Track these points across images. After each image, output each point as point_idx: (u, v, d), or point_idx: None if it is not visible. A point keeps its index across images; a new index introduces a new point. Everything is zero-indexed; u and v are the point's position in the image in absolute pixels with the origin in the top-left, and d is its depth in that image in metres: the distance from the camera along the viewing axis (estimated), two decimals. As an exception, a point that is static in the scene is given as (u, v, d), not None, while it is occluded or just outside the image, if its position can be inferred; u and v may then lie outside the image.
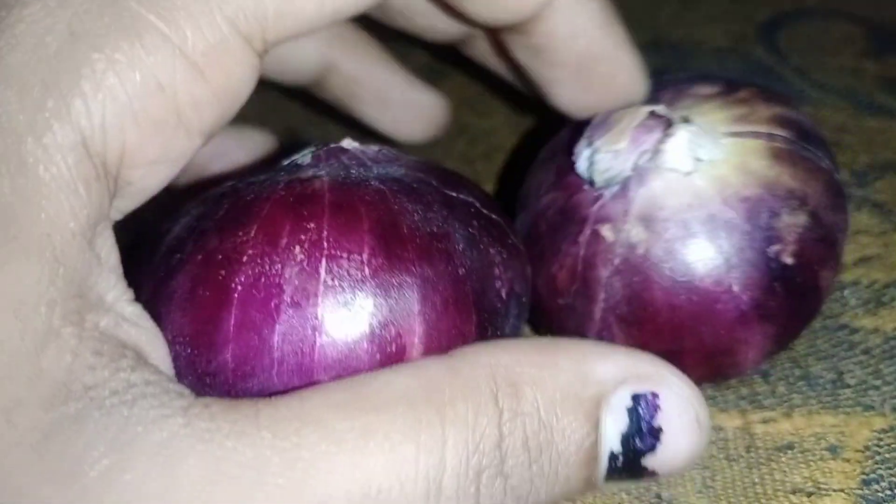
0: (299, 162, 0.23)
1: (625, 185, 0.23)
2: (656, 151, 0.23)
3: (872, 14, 0.46)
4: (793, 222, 0.23)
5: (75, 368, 0.16)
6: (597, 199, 0.24)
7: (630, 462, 0.18)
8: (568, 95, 0.26)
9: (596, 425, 0.18)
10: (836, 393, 0.26)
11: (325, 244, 0.20)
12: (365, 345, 0.19)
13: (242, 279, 0.20)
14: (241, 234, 0.20)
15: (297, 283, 0.19)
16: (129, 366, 0.16)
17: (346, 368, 0.19)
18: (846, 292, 0.30)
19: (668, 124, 0.23)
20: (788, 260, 0.23)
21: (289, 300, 0.19)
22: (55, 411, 0.15)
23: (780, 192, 0.23)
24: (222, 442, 0.16)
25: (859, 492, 0.24)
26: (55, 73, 0.16)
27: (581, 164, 0.24)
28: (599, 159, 0.24)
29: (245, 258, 0.20)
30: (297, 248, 0.20)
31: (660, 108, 0.24)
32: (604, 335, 0.24)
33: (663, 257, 0.23)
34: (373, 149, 0.23)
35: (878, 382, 0.27)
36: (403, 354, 0.20)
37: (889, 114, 0.39)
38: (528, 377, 0.18)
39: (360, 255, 0.20)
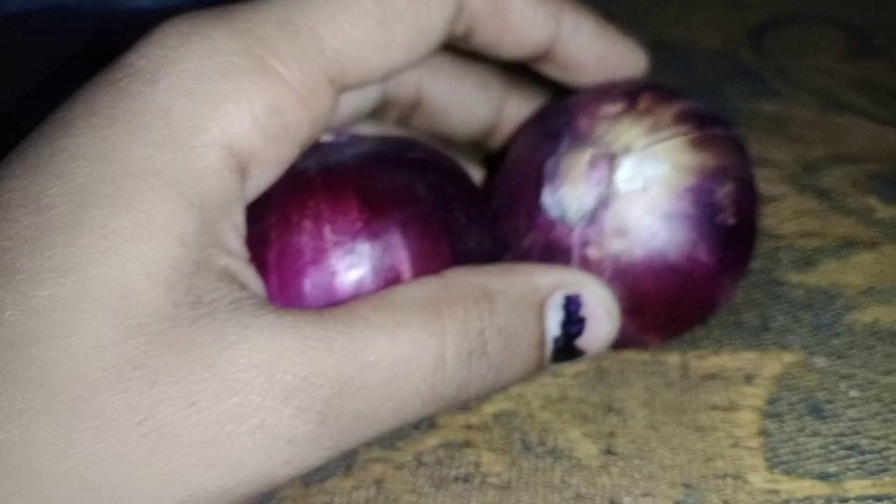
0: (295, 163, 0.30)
1: (593, 214, 0.29)
2: (610, 183, 0.29)
3: (857, 18, 0.52)
4: (725, 192, 0.29)
5: (208, 287, 0.23)
6: (572, 230, 0.30)
7: (567, 343, 0.27)
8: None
9: (542, 318, 0.27)
10: (759, 335, 0.33)
11: (325, 214, 0.27)
12: (370, 277, 0.27)
13: (274, 252, 0.27)
14: (264, 221, 0.28)
15: (311, 245, 0.27)
16: (238, 287, 0.24)
17: (359, 292, 0.27)
18: (780, 252, 0.36)
19: (610, 157, 0.29)
20: (732, 221, 0.29)
21: (309, 259, 0.27)
22: (198, 310, 0.23)
23: (709, 173, 0.29)
24: (303, 327, 0.23)
25: (763, 408, 0.30)
26: (212, 96, 0.24)
27: (554, 211, 0.30)
28: (567, 202, 0.30)
29: (272, 238, 0.27)
30: (306, 223, 0.27)
31: (599, 150, 0.29)
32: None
33: (643, 255, 0.29)
34: (343, 136, 0.31)
35: (795, 326, 0.33)
36: (399, 279, 0.27)
37: (855, 112, 0.44)
38: (496, 289, 0.26)
39: (351, 214, 0.27)
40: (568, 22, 0.31)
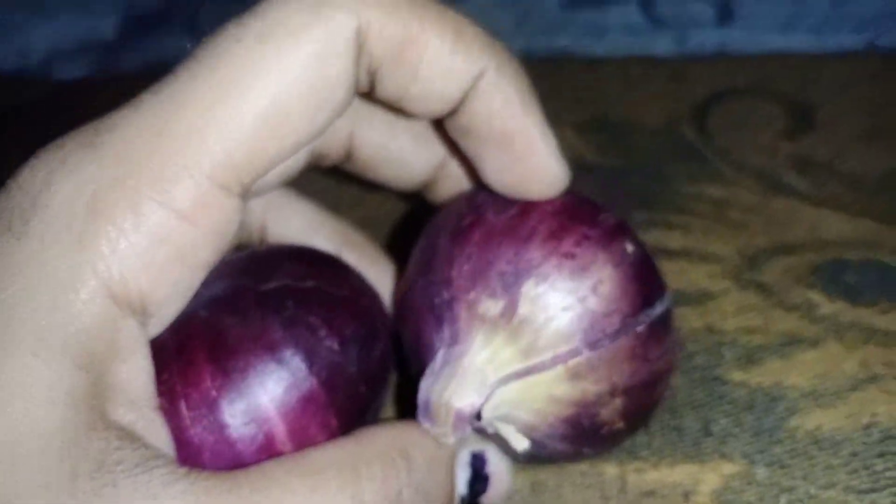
0: None
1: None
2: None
3: (796, 92, 0.52)
4: (611, 411, 0.27)
5: (108, 450, 0.21)
6: None
7: (472, 501, 0.27)
8: (494, 172, 0.29)
9: (452, 477, 0.26)
10: (699, 442, 0.32)
11: (178, 388, 0.26)
12: (239, 445, 0.26)
13: None
14: None
15: (173, 424, 0.25)
16: (142, 446, 0.22)
17: (236, 465, 0.25)
18: (724, 349, 0.35)
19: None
20: (620, 425, 0.27)
21: (176, 437, 0.25)
22: (99, 479, 0.21)
23: (590, 400, 0.26)
24: (218, 496, 0.22)
25: (703, 527, 0.29)
26: (85, 240, 0.22)
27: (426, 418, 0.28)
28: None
29: None
30: (162, 401, 0.25)
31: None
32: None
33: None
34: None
35: (737, 430, 0.32)
36: (273, 441, 0.26)
37: (794, 195, 0.44)
38: (411, 445, 0.25)
39: (205, 382, 0.26)
40: (489, 80, 0.26)
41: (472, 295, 0.27)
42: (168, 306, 0.24)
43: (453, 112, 0.27)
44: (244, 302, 0.27)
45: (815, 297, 0.37)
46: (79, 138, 0.23)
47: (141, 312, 0.24)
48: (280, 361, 0.26)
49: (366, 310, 0.29)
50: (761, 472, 0.31)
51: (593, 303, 0.26)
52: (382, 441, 0.25)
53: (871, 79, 0.53)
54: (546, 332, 0.26)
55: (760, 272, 0.39)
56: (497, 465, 0.27)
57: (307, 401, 0.26)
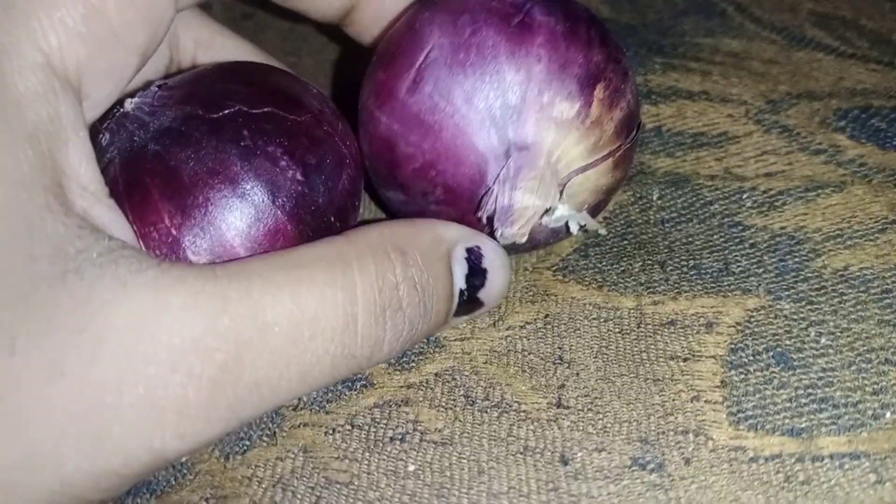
0: (102, 143, 0.26)
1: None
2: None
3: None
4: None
5: (68, 236, 0.19)
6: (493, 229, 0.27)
7: (471, 296, 0.26)
8: None
9: (450, 271, 0.25)
10: (720, 280, 0.30)
11: (135, 227, 0.23)
12: None
13: None
14: None
15: None
16: (106, 237, 0.20)
17: None
18: (744, 196, 0.33)
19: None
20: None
21: None
22: (60, 265, 0.19)
23: (613, 187, 0.29)
24: (193, 282, 0.20)
25: (726, 357, 0.28)
26: (21, 7, 0.20)
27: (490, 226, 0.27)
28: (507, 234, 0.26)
29: None
30: None
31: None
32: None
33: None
34: (148, 96, 0.26)
35: (759, 270, 0.30)
36: None
37: (817, 47, 0.42)
38: (406, 241, 0.24)
39: (163, 222, 0.24)
40: None
41: (545, 97, 0.26)
42: (102, 89, 0.23)
43: (346, 21, 0.31)
44: (196, 133, 0.25)
45: (842, 140, 0.35)
46: None
47: (77, 90, 0.22)
48: (242, 196, 0.24)
49: (328, 136, 0.27)
50: (787, 307, 0.29)
51: (633, 104, 0.28)
52: (375, 237, 0.24)
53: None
54: (608, 130, 0.27)
55: (784, 115, 0.36)
56: (494, 260, 0.26)
57: (274, 234, 0.24)
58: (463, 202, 0.27)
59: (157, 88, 0.26)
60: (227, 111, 0.25)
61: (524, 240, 0.26)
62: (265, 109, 0.26)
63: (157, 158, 0.24)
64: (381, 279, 0.23)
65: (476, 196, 0.27)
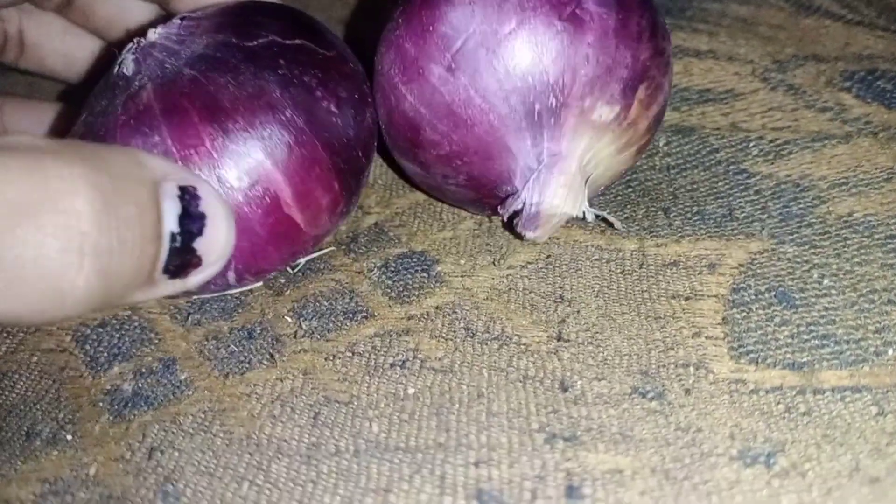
0: (126, 72, 0.25)
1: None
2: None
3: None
4: None
5: None
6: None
7: (185, 244, 0.21)
8: None
9: (156, 204, 0.20)
10: (723, 224, 0.30)
11: (175, 150, 0.23)
12: (245, 206, 0.24)
13: None
14: None
15: None
16: None
17: (242, 228, 0.24)
18: (751, 144, 0.33)
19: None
20: None
21: None
22: None
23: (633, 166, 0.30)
24: None
25: (728, 297, 0.27)
26: None
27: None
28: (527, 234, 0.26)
29: None
30: None
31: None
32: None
33: None
34: (174, 27, 0.26)
35: (763, 216, 0.30)
36: (279, 203, 0.24)
37: (825, 14, 0.42)
38: (101, 155, 0.20)
39: (204, 144, 0.23)
40: None
41: (587, 102, 0.25)
42: None
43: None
44: (233, 59, 0.25)
45: (848, 99, 0.35)
46: None
47: None
48: (282, 122, 0.24)
49: (354, 73, 0.27)
50: (790, 250, 0.29)
51: (668, 94, 0.28)
52: (90, 149, 0.20)
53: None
54: (642, 128, 0.27)
55: (791, 75, 0.36)
56: (214, 207, 0.22)
57: (311, 162, 0.25)
58: (485, 191, 0.27)
59: (179, 21, 0.26)
60: (261, 40, 0.25)
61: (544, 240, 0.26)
62: (297, 41, 0.26)
63: (194, 83, 0.24)
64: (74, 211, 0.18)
65: (500, 190, 0.27)
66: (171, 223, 0.20)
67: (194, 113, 0.24)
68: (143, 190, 0.20)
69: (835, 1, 0.42)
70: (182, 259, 0.21)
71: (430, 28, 0.25)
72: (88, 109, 0.26)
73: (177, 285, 0.22)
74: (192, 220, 0.21)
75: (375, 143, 0.28)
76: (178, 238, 0.21)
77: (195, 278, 0.22)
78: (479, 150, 0.26)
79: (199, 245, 0.21)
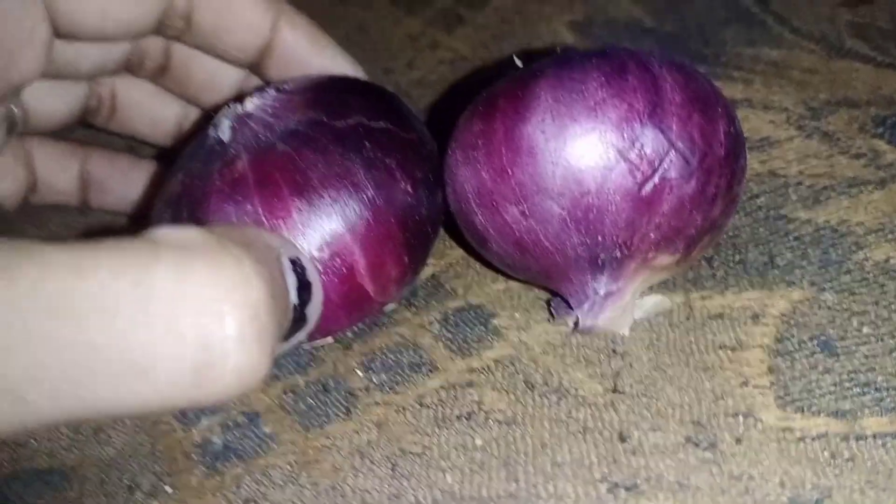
0: (223, 138, 0.28)
1: None
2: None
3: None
4: None
5: None
6: None
7: (300, 312, 0.22)
8: None
9: (285, 279, 0.21)
10: (765, 273, 0.32)
11: (265, 219, 0.26)
12: (323, 274, 0.26)
13: None
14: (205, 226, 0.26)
15: None
16: None
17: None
18: (789, 190, 0.35)
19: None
20: None
21: None
22: None
23: None
24: None
25: (772, 346, 0.29)
26: None
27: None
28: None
29: None
30: None
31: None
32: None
33: None
34: (269, 98, 0.29)
35: (803, 263, 0.32)
36: (354, 273, 0.27)
37: (856, 57, 0.43)
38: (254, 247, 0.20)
39: (291, 215, 0.26)
40: (285, 28, 0.31)
41: (650, 254, 0.27)
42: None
43: (258, 63, 0.32)
44: (324, 139, 0.27)
45: (881, 145, 0.37)
46: None
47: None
48: (363, 201, 0.27)
49: (431, 155, 0.30)
50: (830, 298, 0.30)
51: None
52: (224, 229, 0.21)
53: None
54: (695, 257, 0.29)
55: (824, 122, 0.38)
56: (313, 273, 0.23)
57: (386, 238, 0.27)
58: (543, 288, 0.31)
59: (274, 93, 0.29)
60: (350, 121, 0.28)
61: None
62: (381, 125, 0.28)
63: (287, 158, 0.27)
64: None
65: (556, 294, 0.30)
66: (294, 296, 0.22)
67: (285, 187, 0.26)
68: (278, 269, 0.21)
69: (865, 42, 0.44)
70: (295, 327, 0.22)
71: (510, 171, 0.26)
72: (183, 169, 0.29)
73: (285, 347, 0.23)
74: (304, 289, 0.22)
75: (443, 218, 0.30)
76: (298, 309, 0.22)
77: (297, 338, 0.23)
78: (541, 273, 0.28)
79: (309, 310, 0.23)
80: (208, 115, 0.30)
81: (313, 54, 0.32)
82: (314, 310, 0.23)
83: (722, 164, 0.27)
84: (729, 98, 0.39)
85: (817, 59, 0.43)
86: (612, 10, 0.48)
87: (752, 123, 0.38)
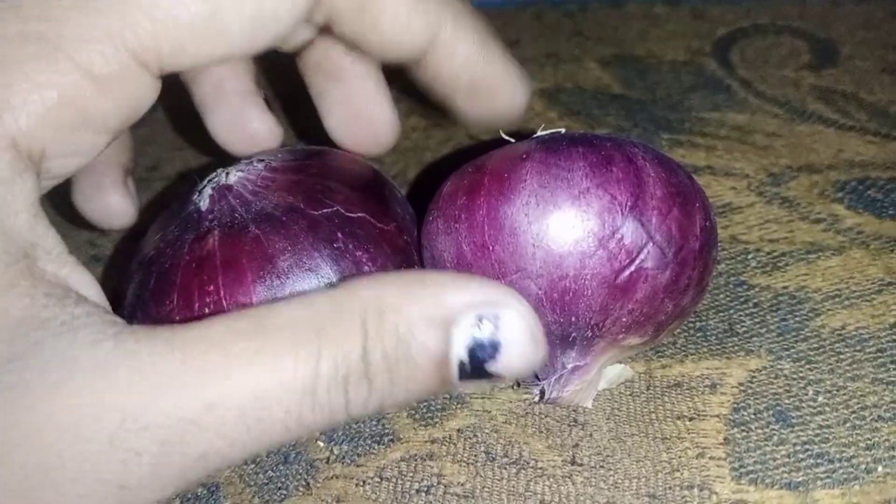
0: (200, 207, 0.29)
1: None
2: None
3: (818, 30, 0.52)
4: None
5: (32, 307, 0.21)
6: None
7: (476, 367, 0.22)
8: (464, 110, 0.31)
9: (444, 341, 0.22)
10: (724, 341, 0.32)
11: (224, 303, 0.26)
12: None
13: None
14: (167, 303, 0.27)
15: None
16: (73, 302, 0.21)
17: None
18: (749, 256, 0.35)
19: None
20: None
21: None
22: (19, 342, 0.20)
23: None
24: (143, 358, 0.20)
25: (729, 416, 0.30)
26: None
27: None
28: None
29: (178, 320, 0.27)
30: (206, 311, 0.26)
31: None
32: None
33: None
34: (253, 173, 0.29)
35: (762, 330, 0.32)
36: None
37: (818, 120, 0.44)
38: (391, 305, 0.22)
39: (252, 301, 0.26)
40: (447, 34, 0.28)
41: (620, 336, 0.28)
42: (64, 165, 0.24)
43: (416, 64, 0.29)
44: (296, 226, 0.28)
45: (840, 210, 0.37)
46: None
47: (38, 166, 0.23)
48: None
49: (406, 245, 0.30)
50: (787, 367, 0.31)
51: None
52: (362, 297, 0.22)
53: (892, 17, 0.53)
54: (663, 335, 0.29)
55: (785, 188, 0.39)
56: (513, 332, 0.22)
57: None
58: None
59: (260, 167, 0.29)
60: (326, 210, 0.28)
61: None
62: (359, 215, 0.29)
63: (256, 243, 0.27)
64: (347, 350, 0.21)
65: None
66: (459, 353, 0.22)
67: (249, 273, 0.27)
68: (432, 332, 0.22)
69: (827, 106, 0.45)
70: (475, 376, 0.22)
71: (491, 247, 0.27)
72: (162, 230, 0.30)
73: (473, 387, 0.24)
74: (483, 349, 0.22)
75: None
76: (468, 365, 0.22)
77: (494, 382, 0.23)
78: None
79: (494, 367, 0.22)
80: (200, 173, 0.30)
81: (480, 63, 0.29)
82: (509, 365, 0.23)
83: (696, 256, 0.27)
84: (691, 166, 0.40)
85: (781, 123, 0.44)
86: (580, 77, 0.49)
87: (715, 190, 0.39)
